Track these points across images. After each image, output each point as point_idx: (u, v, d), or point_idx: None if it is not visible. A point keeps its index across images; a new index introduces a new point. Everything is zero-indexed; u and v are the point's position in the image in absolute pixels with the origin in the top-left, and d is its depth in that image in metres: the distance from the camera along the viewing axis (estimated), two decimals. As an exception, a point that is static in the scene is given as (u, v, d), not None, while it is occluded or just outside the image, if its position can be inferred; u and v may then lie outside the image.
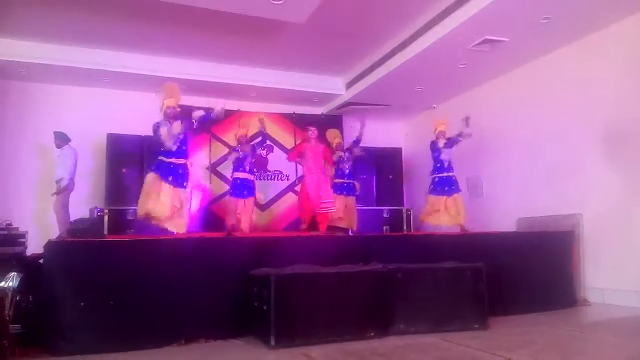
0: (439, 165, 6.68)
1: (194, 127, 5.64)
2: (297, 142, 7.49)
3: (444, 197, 6.56)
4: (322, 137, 7.33)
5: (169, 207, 5.23)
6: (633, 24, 5.61)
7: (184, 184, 5.39)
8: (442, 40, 6.25)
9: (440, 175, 6.64)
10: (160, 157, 5.35)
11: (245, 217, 6.65)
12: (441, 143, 6.67)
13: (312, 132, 7.10)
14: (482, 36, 6.15)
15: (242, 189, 6.70)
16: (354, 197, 7.40)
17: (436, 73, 7.46)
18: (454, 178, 6.64)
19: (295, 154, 7.47)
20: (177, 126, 5.28)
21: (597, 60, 6.02)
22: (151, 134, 5.48)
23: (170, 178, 5.27)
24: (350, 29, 6.79)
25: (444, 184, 6.59)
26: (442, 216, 6.56)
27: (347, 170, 7.38)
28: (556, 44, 6.42)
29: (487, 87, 7.93)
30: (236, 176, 6.78)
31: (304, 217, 7.03)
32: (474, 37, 6.19)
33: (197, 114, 5.58)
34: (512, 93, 7.40)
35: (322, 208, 6.78)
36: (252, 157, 6.86)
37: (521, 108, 7.20)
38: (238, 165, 6.76)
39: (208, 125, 5.71)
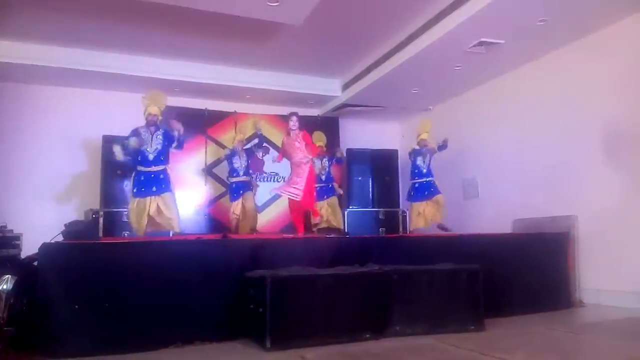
0: (416, 170, 6.96)
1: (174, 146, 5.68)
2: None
3: (424, 201, 6.83)
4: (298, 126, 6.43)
5: (162, 216, 5.43)
6: (629, 25, 5.63)
7: (169, 187, 5.50)
8: (438, 43, 6.27)
9: (420, 180, 6.91)
10: (139, 168, 5.45)
11: (250, 213, 6.79)
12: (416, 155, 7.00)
13: (293, 122, 6.22)
14: (477, 38, 6.17)
15: (237, 190, 6.85)
16: (336, 197, 7.64)
17: (432, 75, 7.47)
18: (432, 182, 6.87)
19: (280, 153, 6.60)
20: (134, 142, 5.39)
21: (593, 61, 6.04)
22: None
23: (154, 188, 5.38)
24: (347, 31, 6.80)
25: (424, 189, 6.86)
26: (421, 219, 6.83)
27: (324, 177, 7.55)
28: (552, 46, 6.44)
29: (483, 89, 7.94)
30: (232, 181, 6.95)
31: (296, 221, 6.35)
32: (470, 40, 6.21)
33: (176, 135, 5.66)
34: (508, 95, 7.42)
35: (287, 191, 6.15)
36: (247, 160, 7.07)
37: (517, 110, 7.22)
38: (232, 171, 6.91)
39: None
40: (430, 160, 6.98)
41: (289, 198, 6.24)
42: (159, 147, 5.51)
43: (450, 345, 3.81)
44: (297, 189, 6.00)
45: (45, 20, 6.36)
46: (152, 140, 5.49)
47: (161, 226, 5.53)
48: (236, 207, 6.90)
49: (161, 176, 5.46)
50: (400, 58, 6.98)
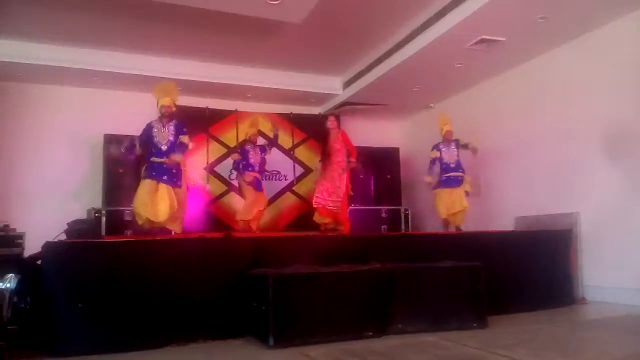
0: (444, 166, 6.69)
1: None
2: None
3: (451, 189, 6.57)
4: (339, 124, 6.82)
5: (168, 208, 5.27)
6: (630, 22, 5.62)
7: (179, 183, 5.42)
8: (439, 40, 6.26)
9: (448, 175, 6.64)
10: (152, 159, 5.39)
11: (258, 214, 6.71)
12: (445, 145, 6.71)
13: (331, 121, 6.51)
14: (478, 36, 6.15)
15: (257, 184, 6.74)
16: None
17: (433, 73, 7.47)
18: (461, 178, 6.62)
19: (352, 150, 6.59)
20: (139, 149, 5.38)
21: (594, 59, 6.03)
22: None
23: (165, 177, 5.29)
24: (348, 29, 6.79)
25: (452, 182, 6.60)
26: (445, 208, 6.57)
27: None
28: (553, 43, 6.43)
29: (484, 86, 7.93)
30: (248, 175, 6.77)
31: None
32: (471, 37, 6.20)
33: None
34: (510, 92, 7.41)
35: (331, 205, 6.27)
36: (262, 156, 6.93)
37: (519, 107, 7.21)
38: (247, 166, 6.75)
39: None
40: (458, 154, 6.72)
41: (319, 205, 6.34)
42: (172, 138, 5.44)
43: (453, 342, 3.81)
44: (337, 200, 6.21)
45: (47, 20, 6.36)
46: (165, 132, 5.42)
47: (162, 224, 5.37)
48: (260, 198, 6.69)
49: (173, 170, 5.38)
50: (402, 56, 6.97)
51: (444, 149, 6.72)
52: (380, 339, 4.00)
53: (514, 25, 5.87)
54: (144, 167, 5.43)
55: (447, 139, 6.75)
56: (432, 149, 6.82)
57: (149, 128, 5.45)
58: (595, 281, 5.81)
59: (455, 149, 6.71)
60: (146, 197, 5.21)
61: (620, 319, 4.76)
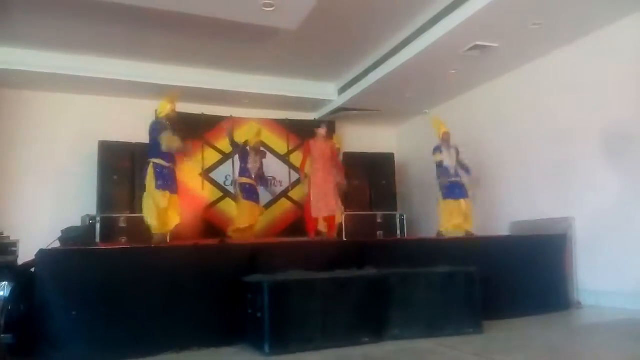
0: (445, 171, 6.46)
1: None
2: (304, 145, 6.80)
3: (461, 200, 6.34)
4: (329, 136, 6.93)
5: (177, 215, 5.23)
6: (626, 26, 5.66)
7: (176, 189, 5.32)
8: (433, 46, 6.29)
9: (450, 180, 6.41)
10: (158, 161, 5.10)
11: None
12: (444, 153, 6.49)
13: (322, 129, 6.52)
14: (472, 42, 6.19)
15: (251, 193, 6.75)
16: None
17: (427, 79, 7.50)
18: (461, 183, 6.44)
19: (304, 158, 6.63)
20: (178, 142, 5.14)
21: (590, 62, 6.07)
22: (142, 140, 5.40)
23: (174, 187, 5.18)
24: (343, 35, 6.81)
25: (454, 188, 6.39)
26: (455, 218, 6.34)
27: None
28: (546, 49, 6.47)
29: (478, 92, 7.97)
30: (242, 181, 6.77)
31: (310, 224, 6.37)
32: (464, 43, 6.24)
33: None
34: (504, 98, 7.45)
35: (329, 211, 6.23)
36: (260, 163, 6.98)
37: (513, 112, 7.25)
38: (244, 171, 6.78)
39: None
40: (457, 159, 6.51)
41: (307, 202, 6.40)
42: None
43: (449, 348, 3.82)
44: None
45: (43, 27, 6.35)
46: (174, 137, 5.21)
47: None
48: (253, 209, 6.71)
49: (173, 174, 5.25)
50: (396, 62, 7.00)
51: (445, 152, 6.47)
52: (377, 345, 4.00)
53: (508, 31, 5.91)
54: (151, 168, 5.07)
55: (446, 141, 6.51)
56: (435, 152, 6.53)
57: (161, 127, 5.15)
58: (590, 285, 5.82)
59: (455, 154, 6.51)
60: (161, 210, 5.06)
61: (615, 324, 4.77)
